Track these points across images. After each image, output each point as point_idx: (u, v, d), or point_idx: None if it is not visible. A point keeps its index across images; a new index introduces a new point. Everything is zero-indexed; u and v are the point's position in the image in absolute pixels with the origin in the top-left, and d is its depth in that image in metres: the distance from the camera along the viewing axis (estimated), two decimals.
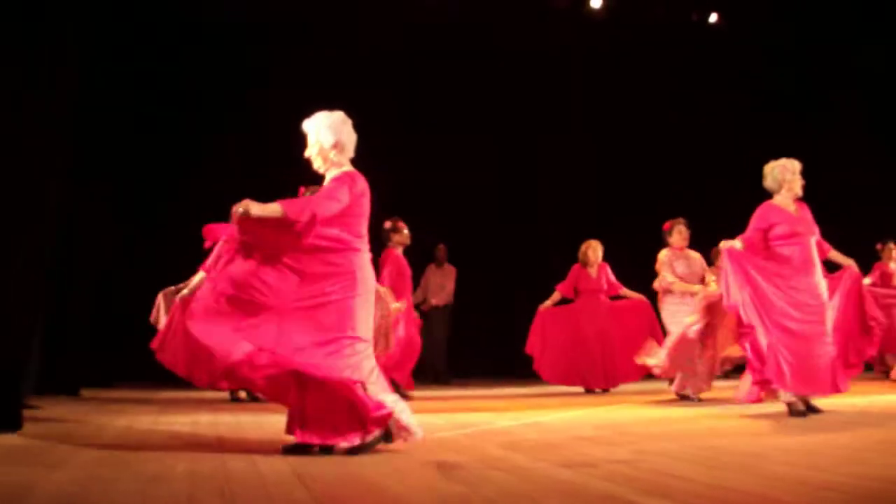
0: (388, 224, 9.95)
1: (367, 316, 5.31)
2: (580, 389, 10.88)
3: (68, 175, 7.98)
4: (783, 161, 7.46)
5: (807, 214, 7.44)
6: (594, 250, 10.99)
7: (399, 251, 10.01)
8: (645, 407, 8.56)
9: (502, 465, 4.66)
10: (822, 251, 7.47)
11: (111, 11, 10.85)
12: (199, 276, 9.62)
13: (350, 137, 5.49)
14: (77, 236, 9.85)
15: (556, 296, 11.06)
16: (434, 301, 13.14)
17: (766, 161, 7.58)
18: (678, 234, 9.41)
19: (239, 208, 5.02)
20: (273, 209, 5.06)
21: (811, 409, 7.12)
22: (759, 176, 7.59)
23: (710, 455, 4.96)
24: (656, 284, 9.61)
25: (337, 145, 5.42)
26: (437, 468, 4.55)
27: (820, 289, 7.22)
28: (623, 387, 10.84)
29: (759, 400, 7.44)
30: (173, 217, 12.75)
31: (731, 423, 6.89)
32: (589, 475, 4.29)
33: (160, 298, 9.54)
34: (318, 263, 5.21)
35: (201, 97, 13.12)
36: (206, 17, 12.96)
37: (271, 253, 5.21)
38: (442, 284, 13.02)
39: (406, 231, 10.05)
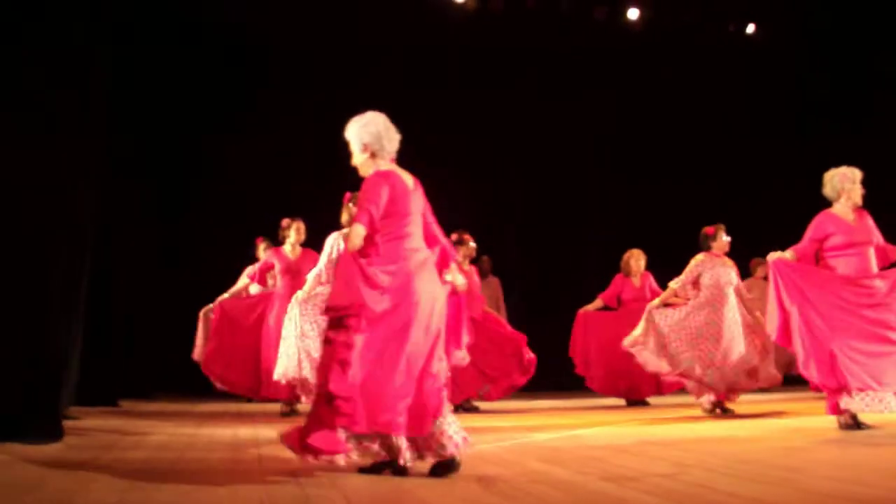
0: (454, 237, 10.00)
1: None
2: (620, 401, 10.77)
3: (103, 181, 7.99)
4: (843, 169, 7.29)
5: (866, 222, 7.27)
6: (636, 259, 10.91)
7: (465, 264, 10.06)
8: (686, 420, 8.49)
9: (543, 479, 4.65)
10: (885, 256, 7.27)
11: (141, 11, 10.80)
12: (243, 282, 9.80)
13: (382, 135, 5.22)
14: (114, 245, 9.87)
15: (597, 303, 10.98)
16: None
17: (806, 169, 7.47)
18: (721, 239, 9.27)
19: (356, 241, 5.01)
20: (359, 230, 5.00)
21: (858, 426, 6.98)
22: (800, 183, 7.47)
23: (752, 469, 4.93)
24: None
25: (366, 148, 5.21)
26: (478, 482, 4.55)
27: (879, 287, 7.01)
28: (664, 399, 10.75)
29: (837, 411, 7.08)
30: (212, 226, 12.80)
31: (773, 436, 6.85)
32: (631, 489, 4.28)
33: (200, 318, 9.80)
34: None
35: (243, 98, 13.23)
36: (241, 17, 13.05)
37: None
38: (491, 297, 12.89)
39: (472, 244, 10.14)
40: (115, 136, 9.19)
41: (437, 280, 5.24)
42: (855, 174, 7.28)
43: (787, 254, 7.16)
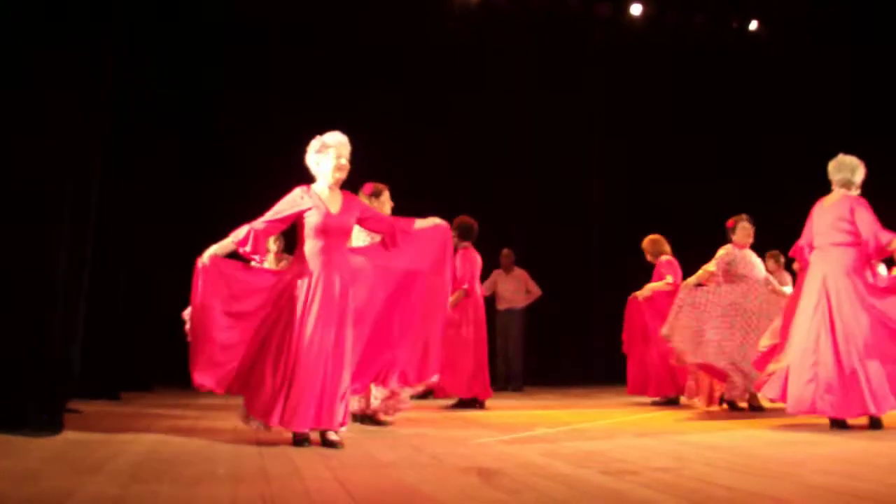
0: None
1: None
2: (623, 397, 10.60)
3: (105, 172, 7.97)
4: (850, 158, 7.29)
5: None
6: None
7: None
8: (687, 415, 8.49)
9: (543, 472, 4.66)
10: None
11: (147, 11, 10.75)
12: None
13: (311, 163, 6.41)
14: (116, 237, 9.84)
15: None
16: (520, 305, 12.67)
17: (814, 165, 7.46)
18: (742, 230, 9.11)
19: None
20: None
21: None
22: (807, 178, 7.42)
23: (750, 463, 4.96)
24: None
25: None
26: (478, 475, 4.55)
27: None
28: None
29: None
30: (216, 218, 12.75)
31: (773, 431, 6.86)
32: (630, 482, 4.29)
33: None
34: None
35: (257, 91, 13.29)
36: (244, 17, 13.07)
37: None
38: (517, 290, 12.71)
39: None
40: (119, 126, 9.17)
41: None
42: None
43: None
